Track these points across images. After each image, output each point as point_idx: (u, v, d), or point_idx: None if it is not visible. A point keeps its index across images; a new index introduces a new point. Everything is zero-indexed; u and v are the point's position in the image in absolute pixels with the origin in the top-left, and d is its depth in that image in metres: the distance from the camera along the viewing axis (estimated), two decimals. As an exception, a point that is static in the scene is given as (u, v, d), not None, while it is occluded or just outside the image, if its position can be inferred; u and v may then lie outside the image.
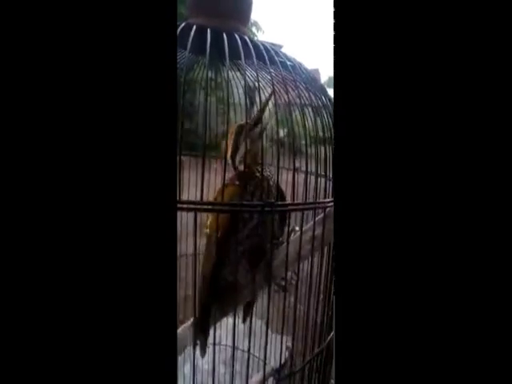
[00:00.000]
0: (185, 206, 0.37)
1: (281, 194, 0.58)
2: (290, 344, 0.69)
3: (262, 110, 0.55)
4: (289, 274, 0.55)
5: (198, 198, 0.39)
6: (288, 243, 0.46)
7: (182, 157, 0.41)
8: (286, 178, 0.62)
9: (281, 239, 0.58)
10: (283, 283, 0.55)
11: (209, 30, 0.47)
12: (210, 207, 0.41)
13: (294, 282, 0.56)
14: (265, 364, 0.56)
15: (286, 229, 0.57)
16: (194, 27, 0.47)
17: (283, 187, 0.60)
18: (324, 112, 0.56)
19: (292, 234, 0.54)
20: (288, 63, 0.53)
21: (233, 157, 0.57)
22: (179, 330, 0.60)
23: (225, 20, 0.54)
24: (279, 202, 0.44)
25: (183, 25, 0.49)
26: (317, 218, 0.49)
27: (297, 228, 0.60)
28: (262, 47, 0.49)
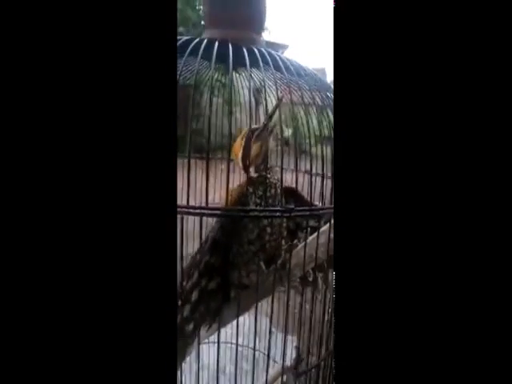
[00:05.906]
0: (192, 210, 0.40)
1: (300, 199, 0.58)
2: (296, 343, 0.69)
3: (270, 115, 0.55)
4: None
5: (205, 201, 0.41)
6: (305, 245, 0.47)
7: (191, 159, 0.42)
8: (292, 179, 0.63)
9: (295, 241, 0.58)
10: (299, 285, 0.55)
11: (217, 43, 0.49)
12: (216, 212, 0.43)
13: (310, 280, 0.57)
14: (271, 361, 0.56)
15: (300, 233, 0.57)
16: (206, 40, 0.49)
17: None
18: (330, 112, 0.57)
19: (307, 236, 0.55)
20: (291, 68, 0.54)
21: (244, 160, 0.57)
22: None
23: (239, 31, 0.56)
24: (298, 208, 0.44)
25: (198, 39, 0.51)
26: (332, 221, 0.49)
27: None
28: (266, 54, 0.51)
